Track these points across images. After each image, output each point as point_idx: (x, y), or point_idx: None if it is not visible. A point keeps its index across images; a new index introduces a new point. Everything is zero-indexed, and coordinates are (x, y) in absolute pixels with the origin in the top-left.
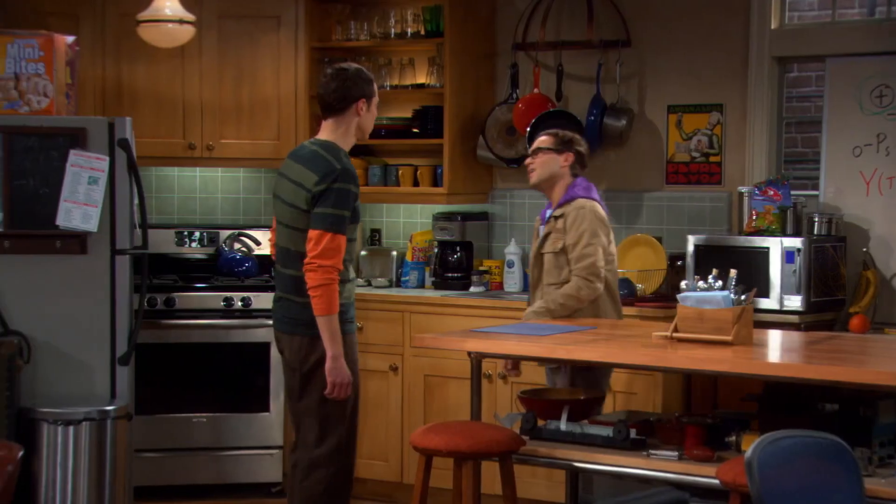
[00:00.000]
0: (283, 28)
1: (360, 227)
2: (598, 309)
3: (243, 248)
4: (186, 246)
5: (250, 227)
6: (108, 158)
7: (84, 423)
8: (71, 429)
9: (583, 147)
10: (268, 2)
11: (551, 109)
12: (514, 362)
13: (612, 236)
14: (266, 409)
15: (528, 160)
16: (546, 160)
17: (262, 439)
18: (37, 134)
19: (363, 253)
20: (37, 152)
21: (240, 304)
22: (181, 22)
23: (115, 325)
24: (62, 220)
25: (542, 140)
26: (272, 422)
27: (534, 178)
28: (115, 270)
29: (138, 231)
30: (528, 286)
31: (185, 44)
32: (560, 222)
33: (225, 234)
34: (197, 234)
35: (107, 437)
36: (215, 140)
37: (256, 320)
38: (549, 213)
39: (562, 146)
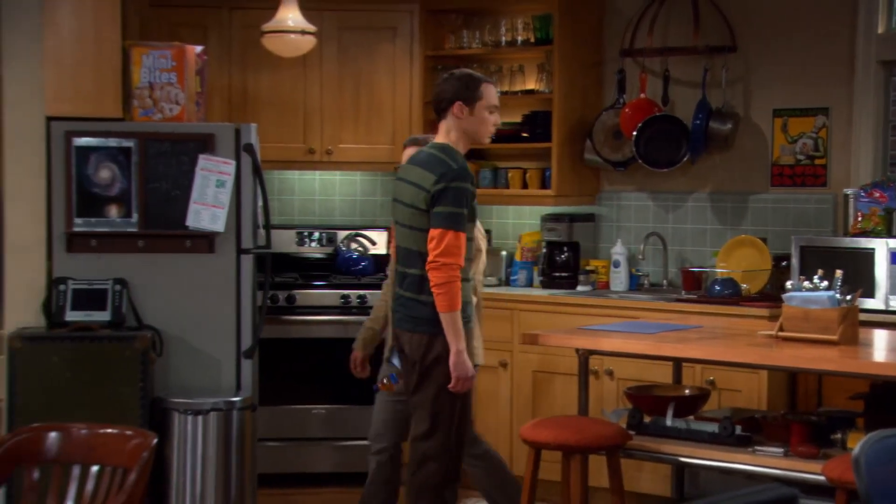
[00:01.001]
0: (398, 38)
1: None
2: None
3: (360, 248)
4: (306, 246)
5: (366, 228)
6: (234, 163)
7: (212, 413)
8: (200, 418)
9: None
10: (384, 14)
11: (657, 114)
12: None
13: None
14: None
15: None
16: None
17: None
18: (169, 140)
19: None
20: (169, 157)
21: (356, 301)
22: (303, 33)
23: (240, 320)
24: (191, 221)
25: None
26: None
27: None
28: (241, 269)
29: (262, 231)
30: (634, 285)
31: (306, 53)
32: None
33: (342, 234)
34: (316, 234)
35: (233, 427)
36: (334, 145)
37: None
38: None
39: None
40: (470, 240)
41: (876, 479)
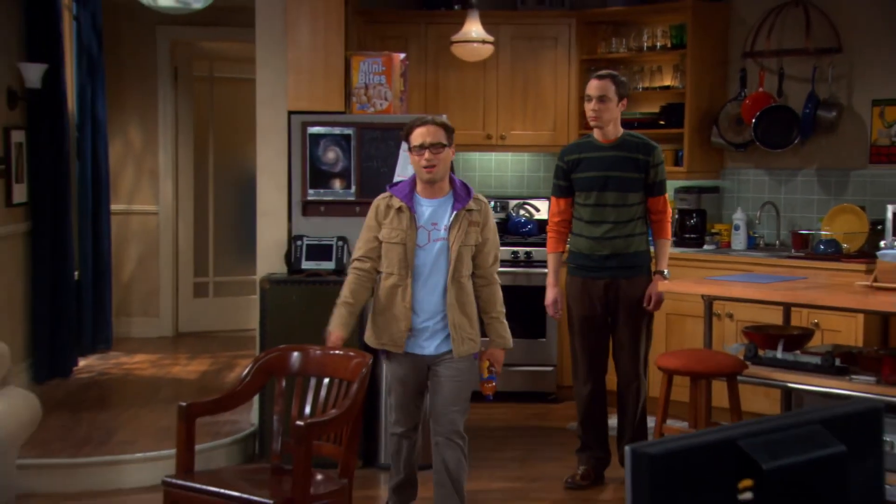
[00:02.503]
0: (559, 46)
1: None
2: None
3: (526, 214)
4: None
5: (532, 198)
6: None
7: None
8: None
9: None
10: (548, 26)
11: (773, 104)
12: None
13: None
14: (543, 335)
15: (426, 155)
16: (445, 156)
17: (541, 359)
18: (379, 128)
19: None
20: (378, 142)
21: (524, 255)
22: (483, 42)
23: None
24: None
25: (440, 135)
26: (548, 346)
27: (436, 173)
28: None
29: None
30: (751, 245)
31: (486, 58)
32: (476, 216)
33: (513, 203)
34: (492, 202)
35: None
36: (507, 132)
37: (536, 269)
38: (441, 205)
39: (451, 140)
40: (578, 205)
41: None
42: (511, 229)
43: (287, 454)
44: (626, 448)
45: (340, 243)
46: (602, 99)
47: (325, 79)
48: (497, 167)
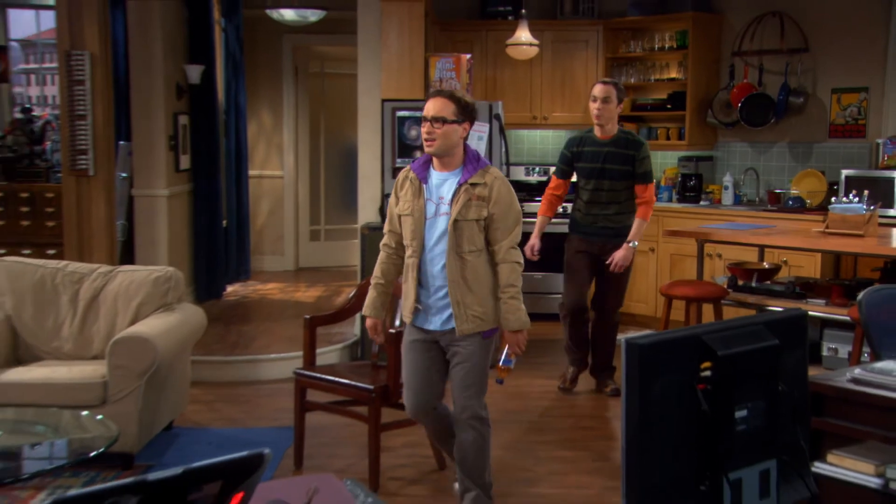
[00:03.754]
0: (589, 47)
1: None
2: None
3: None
4: (530, 176)
5: None
6: (488, 125)
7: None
8: None
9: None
10: (581, 31)
11: (754, 92)
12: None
13: None
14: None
15: (426, 127)
16: (448, 130)
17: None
18: None
19: None
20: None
21: (560, 210)
22: (530, 45)
23: None
24: None
25: (448, 110)
26: None
27: (435, 147)
28: None
29: (504, 167)
30: (737, 201)
31: (532, 57)
32: (480, 190)
33: (552, 169)
34: (536, 168)
35: None
36: (549, 114)
37: (566, 220)
38: (450, 178)
39: (464, 116)
40: (582, 179)
41: (871, 315)
42: None
43: (382, 354)
44: (622, 339)
45: None
46: (605, 100)
47: (410, 74)
48: (541, 141)
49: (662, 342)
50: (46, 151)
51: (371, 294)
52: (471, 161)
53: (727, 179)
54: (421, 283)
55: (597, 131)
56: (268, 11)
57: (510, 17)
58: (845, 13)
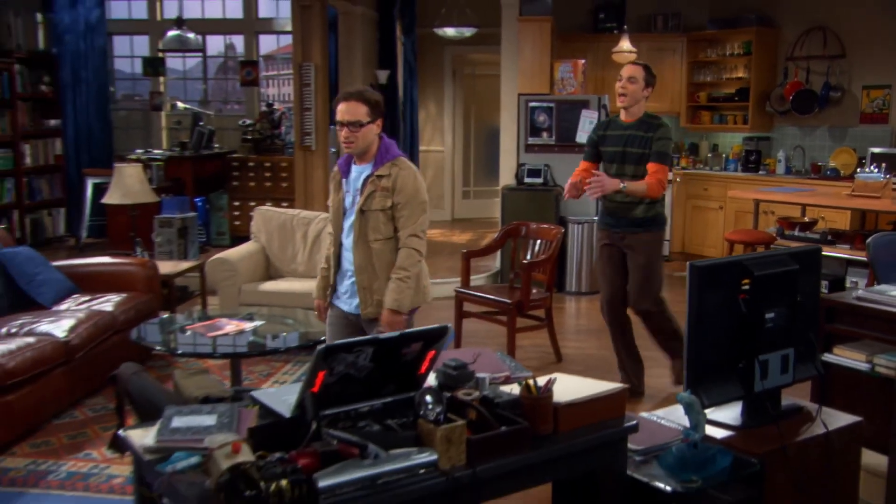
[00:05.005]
0: (676, 53)
1: (707, 145)
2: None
3: None
4: None
5: None
6: (597, 112)
7: (585, 224)
8: (578, 227)
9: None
10: (669, 41)
11: (802, 88)
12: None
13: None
14: None
15: (344, 132)
16: (365, 131)
17: None
18: (568, 103)
19: (709, 155)
20: (567, 111)
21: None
22: (630, 52)
23: None
24: (578, 138)
25: (361, 112)
26: None
27: (355, 148)
28: (599, 166)
29: None
30: (787, 171)
31: (631, 62)
32: (385, 181)
33: None
34: None
35: (593, 234)
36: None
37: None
38: (364, 171)
39: (375, 115)
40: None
41: (877, 253)
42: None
43: (517, 279)
44: (689, 264)
45: (546, 168)
46: (631, 79)
47: (539, 75)
48: None
49: (716, 265)
50: (282, 134)
51: (317, 279)
52: (381, 154)
53: (780, 154)
54: (339, 269)
55: (622, 115)
56: (435, 30)
57: (615, 31)
58: (875, 28)
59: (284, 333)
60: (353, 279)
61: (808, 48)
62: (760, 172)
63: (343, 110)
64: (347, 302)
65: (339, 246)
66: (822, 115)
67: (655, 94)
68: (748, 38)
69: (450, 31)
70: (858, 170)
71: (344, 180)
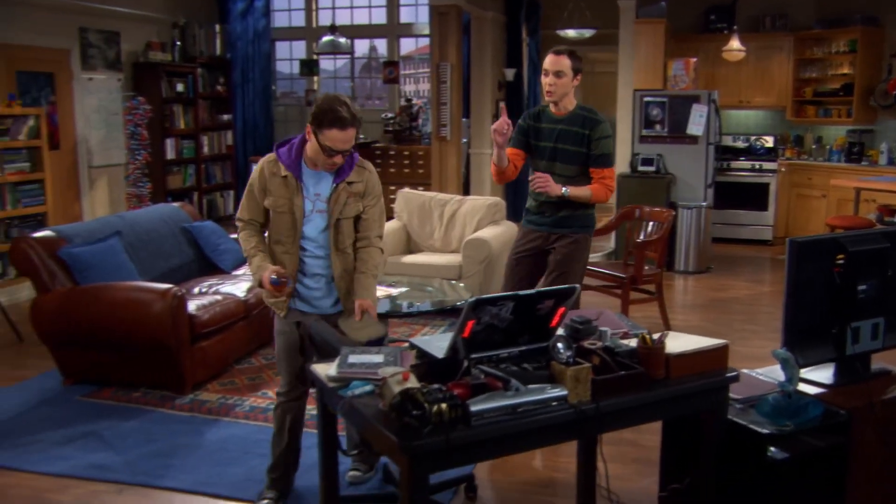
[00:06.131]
0: (783, 52)
1: (812, 137)
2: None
3: (760, 144)
4: (736, 142)
5: (763, 135)
6: (707, 107)
7: (693, 209)
8: (687, 211)
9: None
10: (777, 40)
11: None
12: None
13: None
14: (766, 208)
15: (336, 158)
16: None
17: (763, 221)
18: (681, 98)
19: (813, 146)
20: (680, 106)
21: (758, 167)
22: (739, 50)
23: (707, 173)
24: (689, 130)
25: (349, 136)
26: (767, 215)
27: (341, 160)
28: (708, 152)
29: (717, 136)
30: (889, 161)
31: (741, 59)
32: (357, 186)
33: (752, 137)
34: (741, 138)
35: (702, 218)
36: (751, 98)
37: (764, 174)
38: (325, 177)
39: (358, 130)
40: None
41: None
42: (752, 151)
43: (630, 256)
44: (788, 239)
45: (658, 157)
46: (558, 74)
47: (653, 72)
48: (745, 118)
49: (813, 241)
50: (419, 126)
51: (256, 261)
52: (350, 159)
53: (883, 146)
54: (303, 274)
55: (551, 107)
56: (557, 31)
57: (725, 31)
58: None
59: (427, 299)
60: (322, 283)
61: None
62: (863, 163)
63: (339, 138)
64: (319, 304)
65: (296, 254)
66: None
67: (761, 89)
68: (853, 37)
69: (571, 33)
70: None
71: (301, 183)
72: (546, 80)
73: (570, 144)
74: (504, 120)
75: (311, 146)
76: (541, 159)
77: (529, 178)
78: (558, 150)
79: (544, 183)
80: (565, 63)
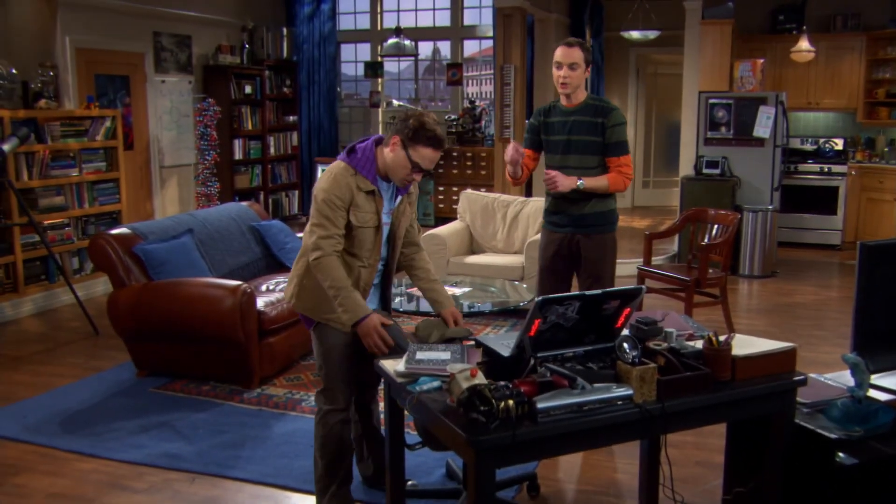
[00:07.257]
0: (854, 52)
1: (884, 140)
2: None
3: (829, 146)
4: (804, 145)
5: (833, 137)
6: (775, 108)
7: (759, 213)
8: (753, 215)
9: None
10: (848, 40)
11: None
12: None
13: None
14: (835, 213)
15: (417, 177)
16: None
17: (832, 225)
18: (747, 99)
19: (885, 149)
20: (746, 107)
21: (827, 170)
22: (808, 51)
23: (773, 173)
24: (756, 133)
25: (435, 157)
26: (836, 219)
27: (420, 178)
28: (775, 154)
29: (785, 138)
30: None
31: (810, 60)
32: (412, 198)
33: (822, 140)
34: (809, 139)
35: (767, 220)
36: (820, 100)
37: (834, 177)
38: (391, 188)
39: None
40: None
41: None
42: (821, 154)
43: (695, 259)
44: (859, 242)
45: (723, 160)
46: (572, 66)
47: (720, 73)
48: (814, 120)
49: (885, 244)
50: (482, 127)
51: (352, 297)
52: None
53: None
54: (369, 286)
55: (563, 100)
56: (621, 33)
57: (794, 31)
58: None
59: (489, 299)
60: (376, 289)
61: None
62: None
63: (431, 159)
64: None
65: (374, 264)
66: None
67: (831, 90)
68: None
69: (635, 34)
70: None
71: (383, 199)
72: (560, 73)
73: (585, 134)
74: (513, 147)
75: (391, 158)
76: (554, 153)
77: (544, 179)
78: (572, 142)
79: (552, 180)
80: (578, 55)
